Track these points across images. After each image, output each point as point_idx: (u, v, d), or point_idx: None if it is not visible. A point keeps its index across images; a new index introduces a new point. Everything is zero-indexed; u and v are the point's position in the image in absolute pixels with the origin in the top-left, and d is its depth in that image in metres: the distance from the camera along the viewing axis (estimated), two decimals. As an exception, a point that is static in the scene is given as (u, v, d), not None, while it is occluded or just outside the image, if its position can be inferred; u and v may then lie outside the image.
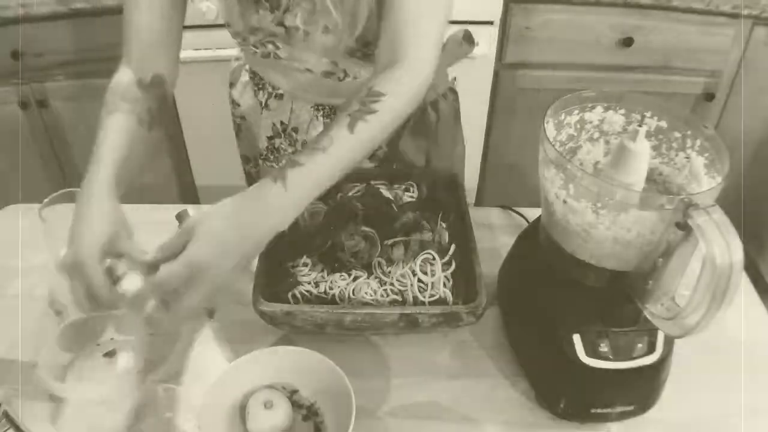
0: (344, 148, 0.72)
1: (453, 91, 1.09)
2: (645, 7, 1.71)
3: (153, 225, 1.05)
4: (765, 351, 0.88)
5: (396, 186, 1.02)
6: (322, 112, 1.04)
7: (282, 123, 1.08)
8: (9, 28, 1.71)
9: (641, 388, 0.76)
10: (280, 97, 1.06)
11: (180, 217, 0.85)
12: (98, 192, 0.75)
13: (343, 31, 0.87)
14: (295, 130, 1.08)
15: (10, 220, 1.09)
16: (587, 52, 1.81)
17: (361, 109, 0.73)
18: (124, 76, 0.89)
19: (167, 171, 2.02)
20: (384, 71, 0.77)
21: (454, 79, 1.14)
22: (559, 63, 1.84)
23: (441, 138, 1.09)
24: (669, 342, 0.75)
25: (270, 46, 0.94)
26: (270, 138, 1.12)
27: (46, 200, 0.93)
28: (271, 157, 1.15)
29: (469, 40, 1.09)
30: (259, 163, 1.19)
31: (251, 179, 1.23)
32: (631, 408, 0.76)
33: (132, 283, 0.69)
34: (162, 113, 0.89)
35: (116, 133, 0.82)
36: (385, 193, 0.99)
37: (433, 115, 1.05)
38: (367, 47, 0.90)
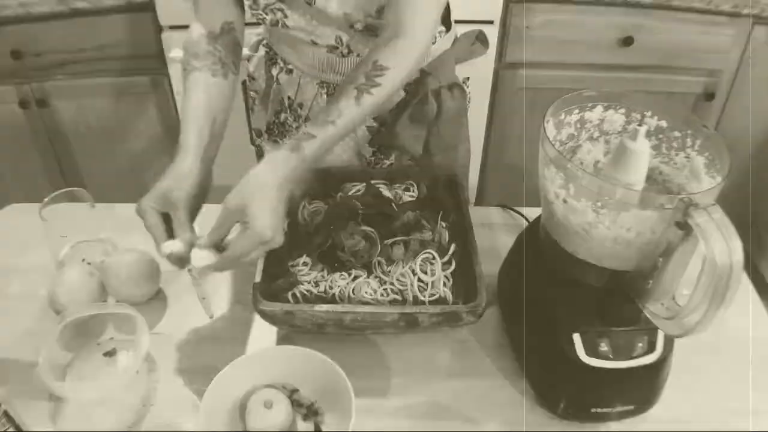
0: (351, 120, 0.80)
1: (460, 88, 1.10)
2: (645, 7, 1.71)
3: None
4: (765, 351, 0.88)
5: (396, 185, 1.02)
6: (326, 90, 1.06)
7: (289, 98, 1.11)
8: (9, 28, 1.71)
9: (641, 388, 0.76)
10: (290, 72, 1.08)
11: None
12: (182, 150, 0.84)
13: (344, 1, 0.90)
14: (300, 105, 1.10)
15: (10, 220, 1.09)
16: (587, 51, 1.80)
17: (366, 82, 0.80)
18: (194, 32, 0.94)
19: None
20: (387, 44, 0.83)
21: (467, 79, 1.15)
22: (559, 63, 1.84)
23: (443, 131, 1.09)
24: (669, 342, 0.75)
25: (278, 14, 0.96)
26: (277, 112, 1.15)
27: (46, 200, 0.93)
28: (276, 131, 1.18)
29: (483, 41, 1.09)
30: (264, 137, 1.22)
31: (261, 153, 1.26)
32: (631, 408, 0.76)
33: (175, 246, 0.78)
34: (236, 59, 0.96)
35: (194, 92, 0.89)
36: (385, 192, 0.99)
37: (434, 105, 1.06)
38: (366, 19, 0.92)
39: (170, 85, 1.84)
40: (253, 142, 1.30)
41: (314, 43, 0.99)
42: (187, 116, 0.87)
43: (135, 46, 1.78)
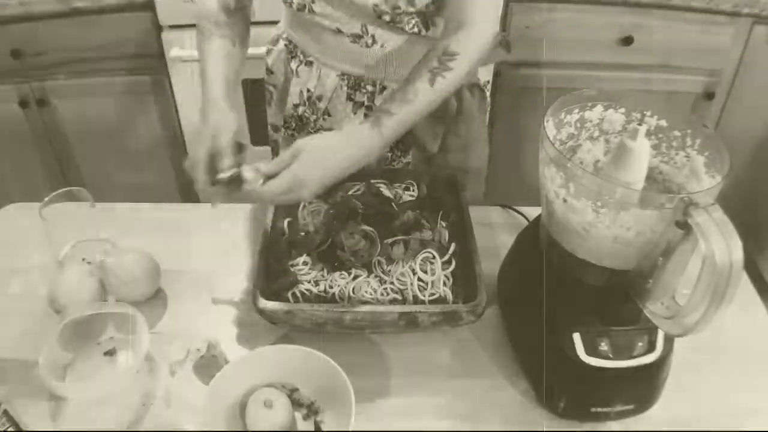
0: (426, 100, 0.84)
1: (481, 90, 1.11)
2: (645, 6, 1.71)
3: (153, 224, 1.06)
4: (765, 350, 0.88)
5: (396, 185, 1.02)
6: (346, 82, 1.06)
7: (308, 90, 1.11)
8: (9, 27, 1.71)
9: (641, 387, 0.76)
10: (309, 64, 1.08)
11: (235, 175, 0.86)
12: (212, 100, 0.88)
13: None
14: (319, 98, 1.10)
15: (10, 219, 1.09)
16: (587, 51, 1.80)
17: (439, 66, 0.84)
18: (210, 3, 0.97)
19: (167, 171, 2.02)
20: (455, 32, 0.87)
21: (488, 82, 1.15)
22: (559, 62, 1.84)
23: (461, 130, 1.10)
24: (669, 341, 0.75)
25: None
26: (296, 106, 1.15)
27: (46, 200, 0.93)
28: (293, 124, 1.18)
29: (505, 45, 1.10)
30: (281, 132, 1.22)
31: (277, 148, 1.26)
32: (631, 407, 0.76)
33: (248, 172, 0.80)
34: (247, 34, 1.02)
35: (217, 56, 0.93)
36: (385, 192, 0.99)
37: (455, 104, 1.07)
38: (394, 11, 0.93)
39: (170, 85, 1.84)
40: (269, 139, 1.29)
41: (339, 31, 0.99)
42: (211, 73, 0.91)
43: (135, 46, 1.78)
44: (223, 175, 0.81)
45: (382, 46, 1.00)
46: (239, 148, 0.87)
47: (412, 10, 0.93)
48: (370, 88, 1.05)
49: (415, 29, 0.97)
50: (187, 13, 1.65)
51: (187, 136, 1.95)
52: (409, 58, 1.00)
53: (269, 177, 0.78)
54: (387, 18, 0.95)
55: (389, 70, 1.03)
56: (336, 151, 0.80)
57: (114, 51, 1.78)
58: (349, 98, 1.07)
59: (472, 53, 0.87)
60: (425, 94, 0.83)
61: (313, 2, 0.98)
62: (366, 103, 1.07)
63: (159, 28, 1.73)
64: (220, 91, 0.90)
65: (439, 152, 1.11)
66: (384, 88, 1.05)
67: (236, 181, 0.80)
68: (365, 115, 1.00)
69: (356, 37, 0.99)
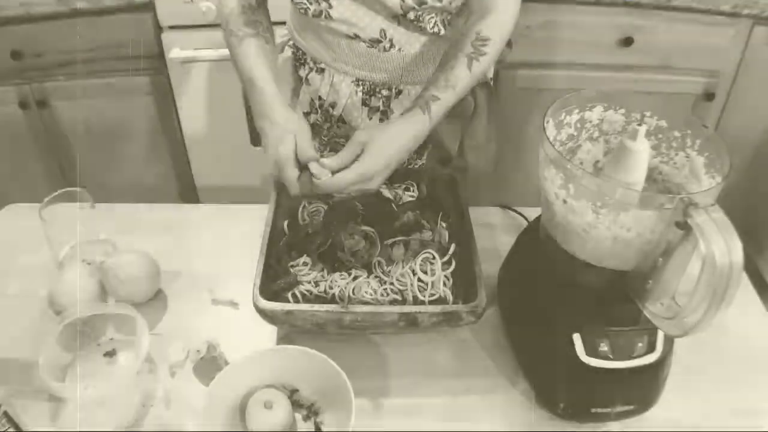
0: (465, 85, 0.88)
1: (489, 87, 1.10)
2: (645, 7, 1.71)
3: (153, 224, 1.06)
4: (765, 350, 0.88)
5: (396, 185, 1.02)
6: (362, 88, 1.05)
7: (320, 98, 1.09)
8: (9, 28, 1.71)
9: (641, 388, 0.76)
10: (320, 71, 1.06)
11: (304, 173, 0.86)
12: (277, 107, 0.88)
13: None
14: (332, 105, 1.08)
15: (10, 220, 1.09)
16: (587, 51, 1.80)
17: (475, 51, 0.88)
18: (229, 3, 0.96)
19: (167, 171, 2.02)
20: (485, 18, 0.90)
21: (491, 79, 1.15)
22: (559, 63, 1.84)
23: (476, 128, 1.10)
24: (669, 341, 0.75)
25: (323, 4, 0.96)
26: (306, 114, 1.13)
27: (46, 200, 0.93)
28: None
29: (508, 43, 1.09)
30: None
31: None
32: (631, 407, 0.76)
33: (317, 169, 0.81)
34: (272, 28, 1.00)
35: (258, 56, 0.92)
36: (385, 192, 0.99)
37: (470, 101, 1.07)
38: (421, 7, 0.93)
39: (170, 85, 1.84)
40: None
41: (356, 36, 0.98)
42: (260, 78, 0.89)
43: (135, 47, 1.78)
44: (314, 170, 0.82)
45: (399, 50, 0.98)
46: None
47: (438, 4, 0.92)
48: (385, 92, 1.04)
49: (435, 29, 0.95)
50: (188, 14, 1.65)
51: (187, 138, 1.96)
52: (427, 61, 1.00)
53: (336, 171, 0.81)
54: (411, 16, 0.93)
55: (406, 73, 1.02)
56: (395, 139, 0.82)
57: (114, 52, 1.78)
58: (364, 104, 1.06)
59: (501, 39, 0.90)
60: (464, 79, 0.87)
61: (330, 7, 0.96)
62: (381, 108, 1.06)
63: (159, 29, 1.73)
64: (276, 94, 0.89)
65: (456, 153, 1.10)
66: (400, 92, 1.04)
67: (307, 174, 0.82)
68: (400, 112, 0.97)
69: (374, 42, 0.98)
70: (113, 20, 1.73)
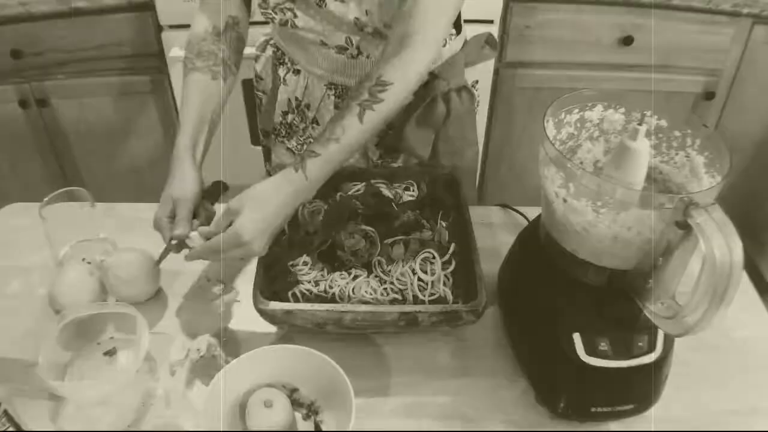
0: (354, 137, 0.81)
1: (469, 92, 1.09)
2: (645, 6, 1.71)
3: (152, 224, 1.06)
4: (764, 350, 0.88)
5: (396, 185, 1.02)
6: (334, 92, 1.05)
7: (297, 99, 1.10)
8: (9, 27, 1.71)
9: (641, 387, 0.76)
10: (297, 72, 1.07)
11: (213, 187, 0.92)
12: (178, 157, 0.89)
13: (355, 2, 0.91)
14: (308, 106, 1.09)
15: (10, 219, 1.09)
16: (587, 51, 1.81)
17: (369, 99, 0.81)
18: (199, 26, 0.97)
19: (167, 171, 2.02)
20: (393, 57, 0.82)
21: (476, 82, 1.14)
22: (559, 62, 1.84)
23: (451, 134, 1.08)
24: (669, 341, 0.75)
25: (288, 14, 0.96)
26: (284, 113, 1.14)
27: (46, 199, 0.93)
28: (284, 132, 1.17)
29: (492, 44, 1.09)
30: (272, 138, 1.21)
31: (269, 153, 1.26)
32: (631, 407, 0.76)
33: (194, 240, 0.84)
34: (238, 57, 1.01)
35: (193, 94, 0.93)
36: (385, 192, 0.99)
37: (443, 108, 1.05)
38: (380, 26, 0.92)
39: (170, 85, 1.84)
40: (260, 143, 1.28)
41: (323, 44, 0.98)
42: (183, 117, 0.92)
43: (135, 46, 1.78)
44: (173, 242, 0.84)
45: (368, 56, 0.99)
46: (223, 187, 0.91)
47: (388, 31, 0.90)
48: None
49: None
50: (188, 13, 1.64)
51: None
52: None
53: (209, 236, 0.81)
54: (369, 30, 0.94)
55: None
56: (270, 199, 0.79)
57: (114, 51, 1.78)
58: (337, 107, 1.06)
59: (408, 82, 0.83)
60: (354, 131, 0.80)
61: (295, 17, 0.96)
62: None
63: (159, 28, 1.73)
64: (187, 142, 0.90)
65: (430, 158, 1.09)
66: None
67: (182, 244, 0.85)
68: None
69: (341, 49, 0.98)
70: (113, 19, 1.73)
